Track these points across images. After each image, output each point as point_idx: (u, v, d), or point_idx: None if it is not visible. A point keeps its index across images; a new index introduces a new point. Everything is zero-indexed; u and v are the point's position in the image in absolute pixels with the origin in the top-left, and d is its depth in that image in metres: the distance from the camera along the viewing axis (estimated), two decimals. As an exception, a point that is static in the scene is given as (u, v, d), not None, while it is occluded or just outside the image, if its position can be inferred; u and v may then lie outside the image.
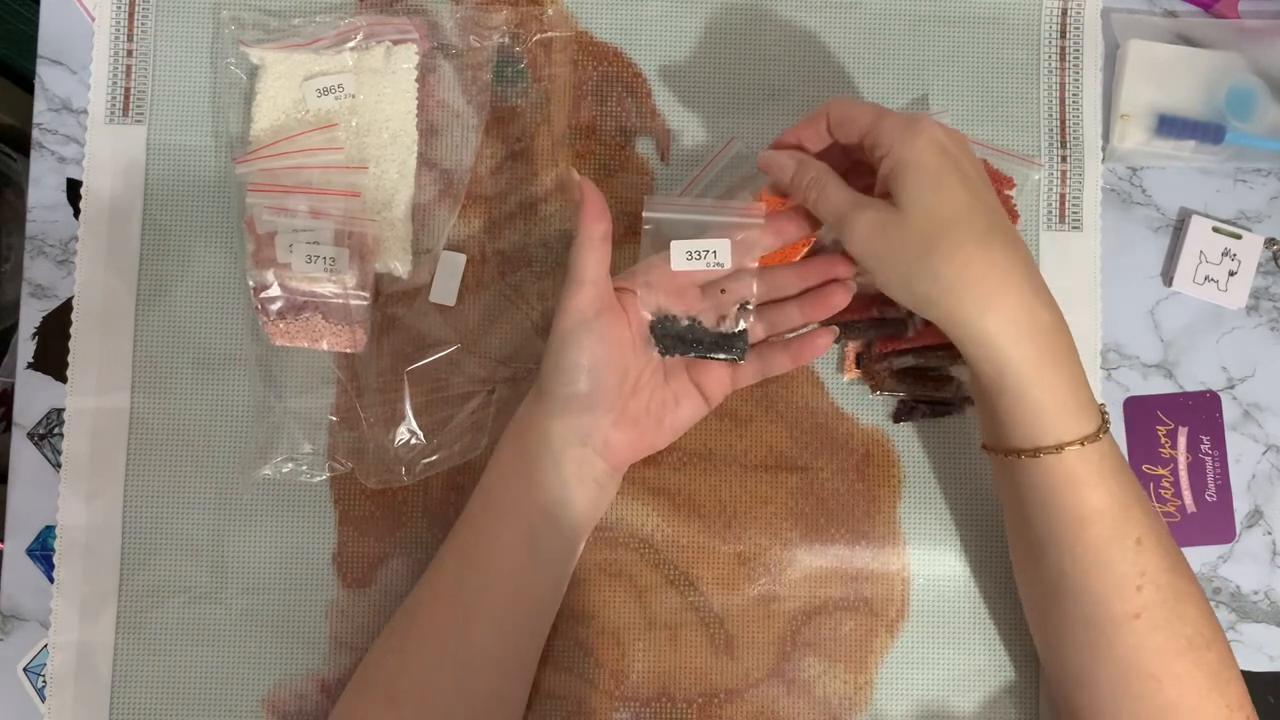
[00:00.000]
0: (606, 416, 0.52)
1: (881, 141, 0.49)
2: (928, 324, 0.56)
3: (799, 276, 0.54)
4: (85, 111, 0.60)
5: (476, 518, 0.53)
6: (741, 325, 0.53)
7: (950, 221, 0.47)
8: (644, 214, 0.53)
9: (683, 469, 0.59)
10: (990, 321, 0.47)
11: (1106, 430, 0.49)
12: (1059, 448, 0.48)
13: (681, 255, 0.52)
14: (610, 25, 0.61)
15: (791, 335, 0.55)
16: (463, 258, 0.59)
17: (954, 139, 0.49)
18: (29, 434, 0.60)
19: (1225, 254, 0.61)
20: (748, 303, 0.53)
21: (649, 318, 0.53)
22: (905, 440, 0.60)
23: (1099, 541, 0.48)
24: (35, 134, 0.61)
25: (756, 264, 0.53)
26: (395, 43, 0.59)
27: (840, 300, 0.54)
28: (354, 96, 0.58)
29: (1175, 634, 0.48)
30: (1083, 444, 0.48)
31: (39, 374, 0.60)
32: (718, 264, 0.52)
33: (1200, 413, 0.61)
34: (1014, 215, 0.59)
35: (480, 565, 0.52)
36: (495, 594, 0.51)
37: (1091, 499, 0.48)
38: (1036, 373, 0.47)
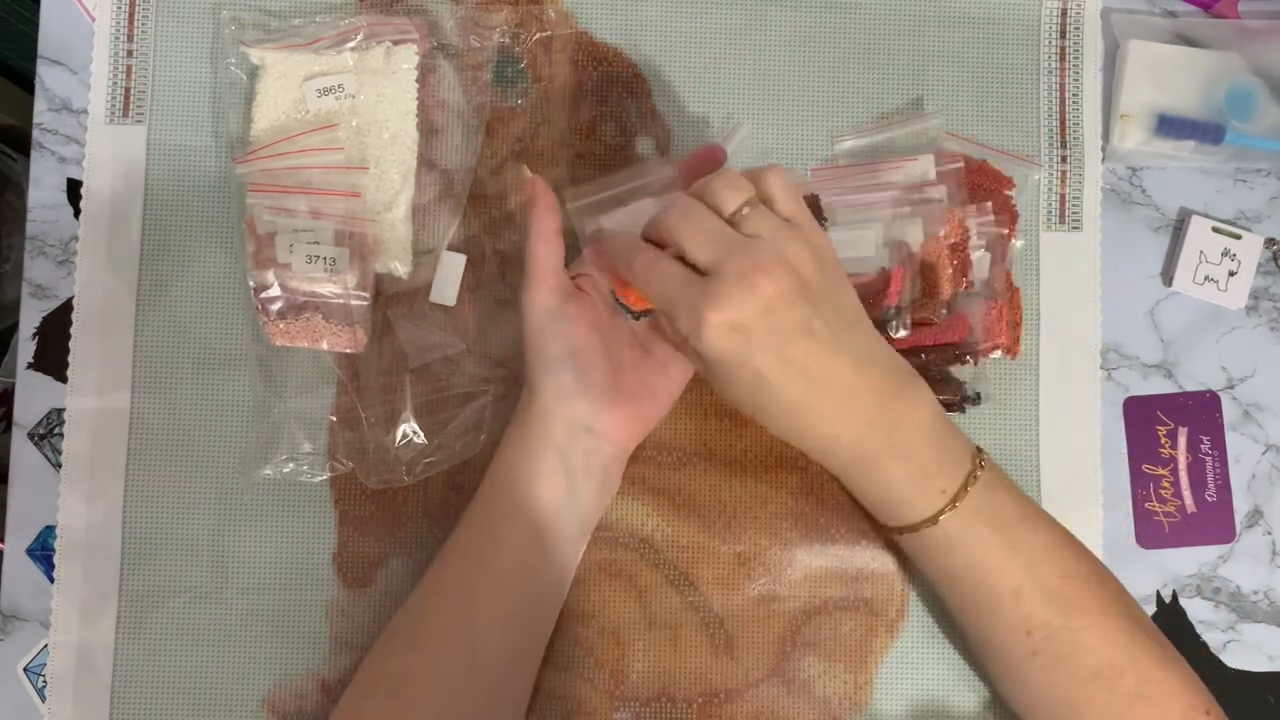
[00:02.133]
0: (603, 397, 0.52)
1: (683, 332, 0.48)
2: (920, 326, 0.57)
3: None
4: (85, 111, 0.60)
5: (482, 517, 0.53)
6: None
7: (754, 407, 0.50)
8: (568, 207, 0.54)
9: (683, 469, 0.59)
10: (806, 448, 0.52)
11: (972, 486, 0.50)
12: (914, 528, 0.51)
13: (614, 224, 0.54)
14: (610, 25, 0.61)
15: None
16: (463, 258, 0.60)
17: (739, 312, 0.46)
18: (29, 434, 0.60)
19: (1225, 254, 0.61)
20: None
21: (610, 292, 0.53)
22: (905, 440, 0.60)
23: (976, 597, 0.51)
24: (35, 134, 0.61)
25: None
26: (395, 43, 0.59)
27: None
28: (354, 97, 0.58)
29: (1078, 666, 0.50)
30: (935, 520, 0.50)
31: (39, 374, 0.60)
32: None
33: (1200, 413, 0.61)
34: (1014, 215, 0.59)
35: (487, 564, 0.52)
36: (502, 591, 0.51)
37: (956, 562, 0.51)
38: (859, 483, 0.52)
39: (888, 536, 0.55)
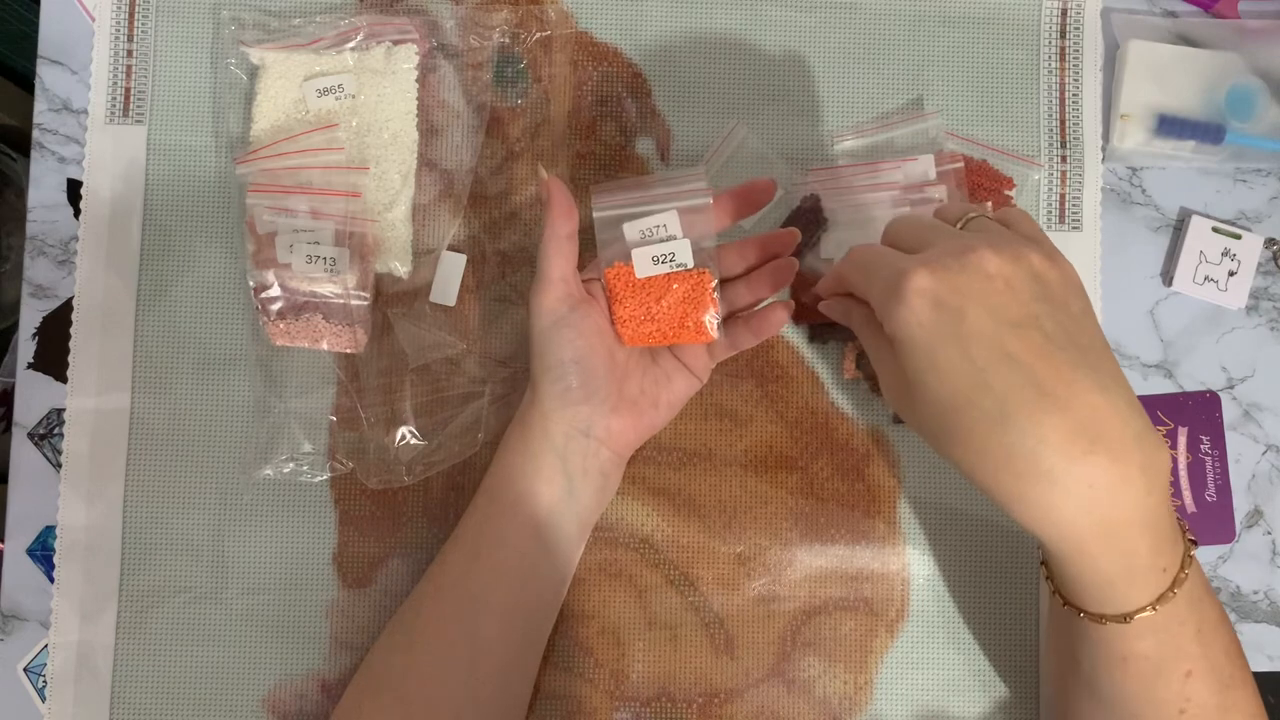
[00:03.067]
0: (604, 405, 0.52)
1: (877, 311, 0.43)
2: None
3: (740, 256, 0.55)
4: (85, 111, 0.60)
5: (483, 516, 0.53)
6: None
7: (953, 407, 0.41)
8: (593, 205, 0.52)
9: (683, 469, 0.59)
10: (1019, 511, 0.41)
11: (1189, 564, 0.43)
12: (1125, 617, 0.43)
13: (635, 233, 0.52)
14: (610, 25, 0.61)
15: (749, 311, 0.56)
16: (463, 258, 0.60)
17: (948, 284, 0.40)
18: (29, 434, 0.60)
19: (1225, 254, 0.61)
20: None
21: None
22: (905, 440, 0.60)
23: (1145, 677, 0.44)
24: (35, 134, 0.61)
25: (714, 244, 0.53)
26: (395, 43, 0.59)
27: (784, 276, 0.53)
28: (354, 97, 0.58)
29: None
30: (1153, 608, 0.42)
31: (39, 374, 0.60)
32: (670, 235, 0.52)
33: (1200, 413, 0.61)
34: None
35: (488, 562, 0.52)
36: (503, 590, 0.52)
37: (1142, 646, 0.44)
38: (1086, 551, 0.41)
39: (1068, 615, 0.45)
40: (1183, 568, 0.43)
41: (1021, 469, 0.39)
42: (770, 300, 0.56)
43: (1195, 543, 0.45)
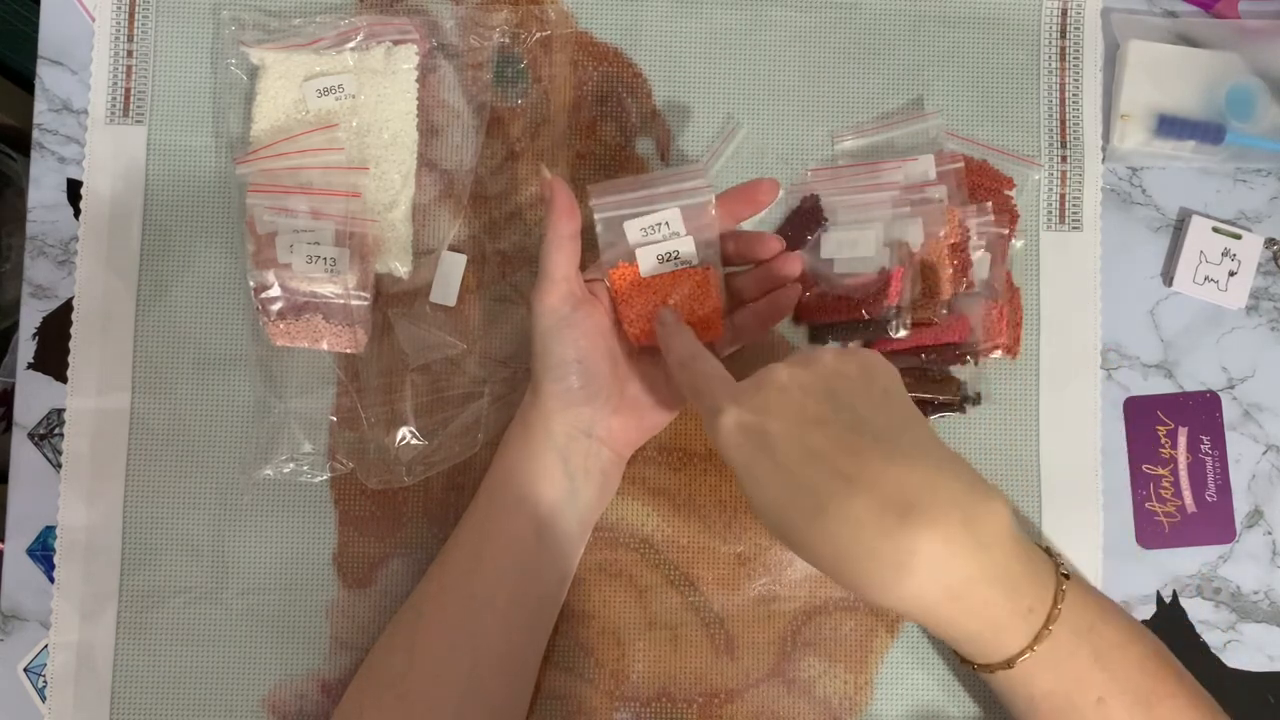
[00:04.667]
0: (607, 405, 0.52)
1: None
2: (920, 326, 0.57)
3: (742, 248, 0.54)
4: (85, 111, 0.60)
5: (483, 516, 0.53)
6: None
7: (779, 511, 0.43)
8: (591, 204, 0.52)
9: (683, 469, 0.59)
10: (868, 594, 0.42)
11: (1061, 599, 0.45)
12: (1008, 663, 0.45)
13: (636, 231, 0.52)
14: (610, 25, 0.61)
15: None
16: (463, 258, 0.60)
17: (750, 406, 0.44)
18: (29, 434, 0.60)
19: (1225, 254, 0.61)
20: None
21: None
22: (905, 440, 0.60)
23: (1057, 710, 0.46)
24: (35, 134, 0.61)
25: (716, 238, 0.52)
26: (395, 43, 0.59)
27: (790, 266, 0.52)
28: (354, 97, 0.58)
29: None
30: (1032, 650, 0.45)
31: (39, 374, 0.60)
32: (673, 233, 0.52)
33: (1200, 413, 0.61)
34: (1014, 215, 0.59)
35: (489, 561, 0.52)
36: (505, 590, 0.52)
37: (1041, 686, 0.46)
38: (941, 618, 0.43)
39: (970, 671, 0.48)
40: (1055, 603, 0.44)
41: (851, 553, 0.41)
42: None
43: (1068, 575, 0.46)
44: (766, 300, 0.53)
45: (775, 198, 0.54)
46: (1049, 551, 0.49)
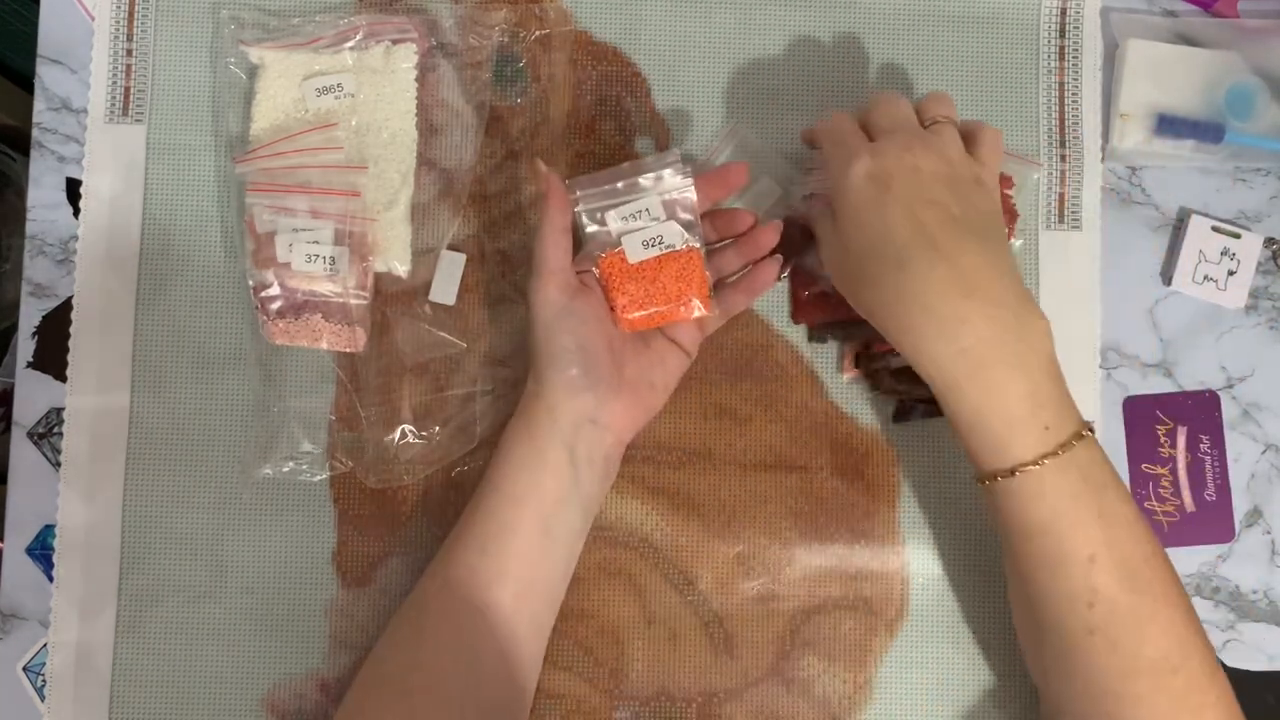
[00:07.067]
0: (608, 390, 0.53)
1: (831, 174, 0.52)
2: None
3: (713, 226, 0.57)
4: (85, 111, 0.60)
5: (488, 511, 0.53)
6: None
7: (866, 255, 0.50)
8: (573, 197, 0.54)
9: (682, 469, 0.59)
10: (905, 342, 0.49)
11: (1078, 441, 0.47)
12: (1011, 471, 0.47)
13: (620, 220, 0.54)
14: (610, 25, 0.61)
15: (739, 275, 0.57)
16: (462, 257, 0.60)
17: (884, 168, 0.50)
18: (29, 433, 0.60)
19: (1224, 253, 0.61)
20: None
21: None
22: (905, 440, 0.60)
23: (1048, 556, 0.48)
24: (35, 134, 0.61)
25: (698, 220, 0.54)
26: (395, 42, 0.59)
27: (768, 237, 0.56)
28: (353, 96, 0.58)
29: (1133, 654, 0.47)
30: (1039, 463, 0.47)
31: (39, 373, 0.60)
32: (655, 218, 0.54)
33: (1199, 412, 0.61)
34: (1013, 215, 0.59)
35: (495, 554, 0.52)
36: (509, 584, 0.52)
37: (1039, 515, 0.47)
38: (958, 385, 0.48)
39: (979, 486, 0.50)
40: (1072, 439, 0.47)
41: (909, 304, 0.48)
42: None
43: (1092, 431, 0.48)
44: (749, 274, 0.57)
45: (745, 180, 0.57)
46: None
